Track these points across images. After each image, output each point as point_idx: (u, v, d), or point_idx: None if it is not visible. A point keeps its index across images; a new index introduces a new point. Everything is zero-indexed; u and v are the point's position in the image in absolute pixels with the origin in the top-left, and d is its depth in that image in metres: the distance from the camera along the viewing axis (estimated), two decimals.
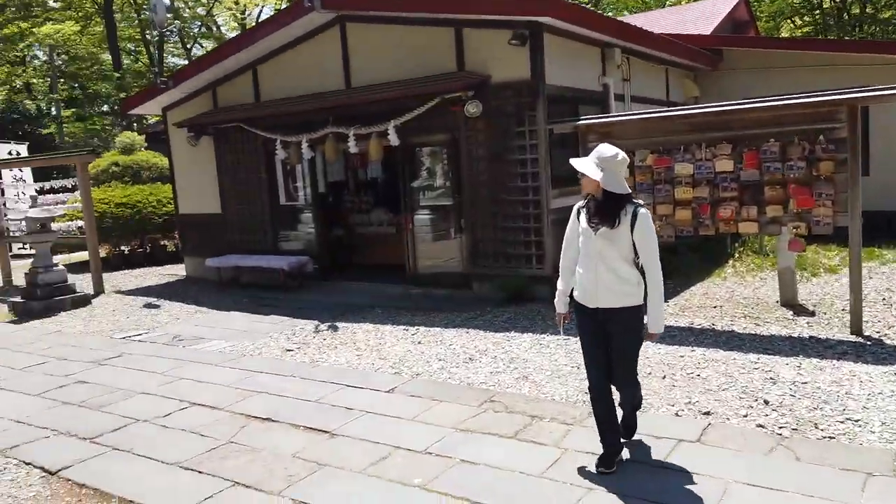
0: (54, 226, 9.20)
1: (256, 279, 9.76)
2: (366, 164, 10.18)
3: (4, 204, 11.36)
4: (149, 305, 8.91)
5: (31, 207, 8.84)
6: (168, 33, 29.47)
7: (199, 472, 3.78)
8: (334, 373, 5.44)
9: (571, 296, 3.52)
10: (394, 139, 7.77)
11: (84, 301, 9.11)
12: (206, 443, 4.18)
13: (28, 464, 4.04)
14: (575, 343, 4.97)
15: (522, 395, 4.63)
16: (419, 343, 6.16)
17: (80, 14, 30.65)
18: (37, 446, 4.31)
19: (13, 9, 28.85)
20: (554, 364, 5.23)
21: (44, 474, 3.91)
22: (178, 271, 11.71)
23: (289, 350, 6.28)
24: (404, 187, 8.41)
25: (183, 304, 8.93)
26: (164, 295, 9.61)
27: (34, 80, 31.94)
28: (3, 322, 8.48)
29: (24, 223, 8.90)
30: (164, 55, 31.02)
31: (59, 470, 3.93)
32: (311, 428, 4.31)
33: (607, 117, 6.84)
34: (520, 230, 7.53)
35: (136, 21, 30.62)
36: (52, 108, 30.48)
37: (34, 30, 27.71)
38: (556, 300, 3.62)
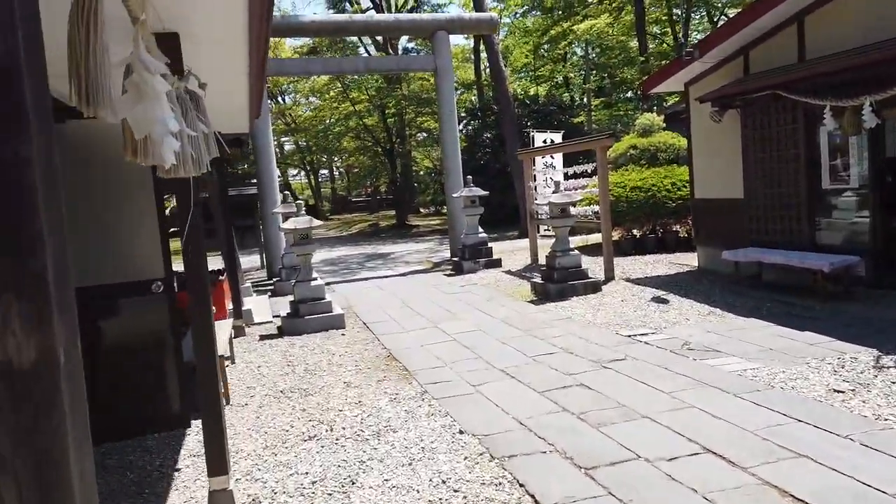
0: (573, 210, 9.31)
1: (783, 279, 8.04)
2: None
3: (535, 188, 12.34)
4: (657, 299, 8.21)
5: (553, 192, 9.09)
6: (694, 8, 28.62)
7: None
8: None
9: None
10: None
11: (595, 287, 9.00)
12: None
13: (521, 485, 3.63)
14: None
15: None
16: None
17: (612, 5, 32.50)
18: (527, 463, 3.90)
19: (560, 12, 32.46)
20: None
21: None
22: (688, 261, 10.78)
23: (837, 391, 4.60)
24: None
25: (693, 301, 7.93)
26: (672, 287, 8.79)
27: (571, 74, 35.45)
28: (525, 301, 8.99)
29: (547, 207, 9.26)
30: (689, 31, 30.35)
31: None
32: None
33: None
34: None
35: (664, 0, 30.70)
36: (584, 99, 33.35)
37: (573, 27, 30.58)
38: None
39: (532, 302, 8.86)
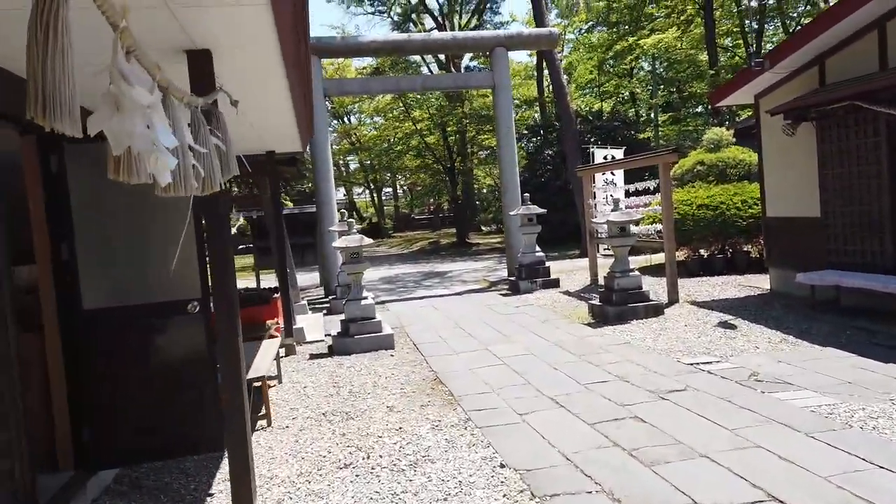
0: (634, 228, 8.92)
1: (864, 304, 7.42)
2: None
3: (595, 206, 11.96)
4: (723, 324, 7.71)
5: (612, 210, 8.74)
6: (768, 19, 27.57)
7: None
8: None
9: None
10: None
11: (656, 310, 8.55)
12: None
13: None
14: None
15: None
16: None
17: (681, 19, 31.67)
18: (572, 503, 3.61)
19: (625, 26, 31.85)
20: None
21: None
22: (759, 283, 10.15)
23: None
24: None
25: (764, 327, 7.40)
26: (741, 312, 8.25)
27: (637, 89, 34.68)
28: (582, 324, 8.63)
29: (605, 226, 8.91)
30: (763, 42, 29.22)
31: None
32: None
33: None
34: None
35: (735, 12, 29.72)
36: (651, 114, 32.51)
37: (640, 42, 29.90)
38: None
39: (589, 325, 8.50)
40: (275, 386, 6.59)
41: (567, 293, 11.32)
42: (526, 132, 26.30)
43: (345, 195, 53.34)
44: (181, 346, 4.22)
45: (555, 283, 12.05)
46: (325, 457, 4.54)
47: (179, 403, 4.38)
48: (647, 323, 8.21)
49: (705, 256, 11.93)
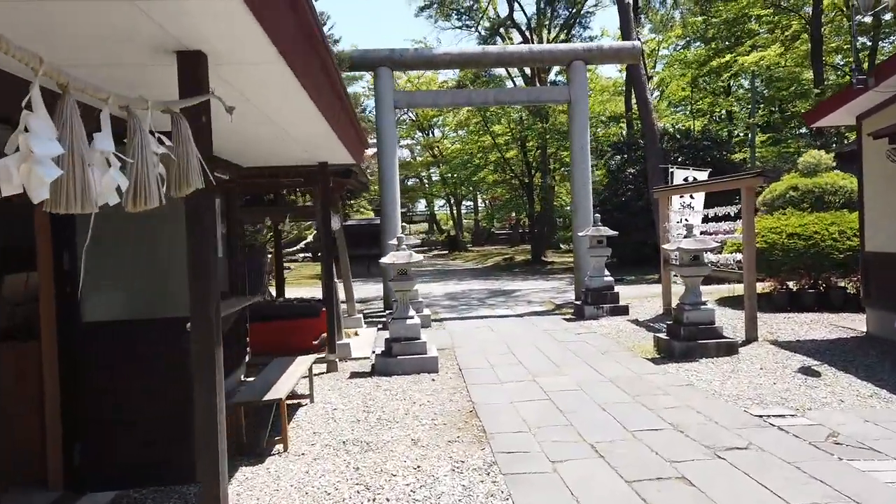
0: (711, 257, 8.16)
1: None
2: None
3: (669, 231, 11.14)
4: (805, 370, 6.84)
5: (684, 237, 8.02)
6: (883, 35, 25.47)
7: None
8: None
9: None
10: None
11: (730, 349, 7.74)
12: None
13: None
14: None
15: None
16: None
17: (785, 34, 29.80)
18: None
19: (723, 42, 30.30)
20: None
21: None
22: (854, 324, 9.07)
23: None
24: None
25: (853, 377, 6.50)
26: (829, 357, 7.33)
27: (734, 108, 32.91)
28: (644, 358, 7.93)
29: (677, 253, 8.18)
30: (875, 60, 27.02)
31: None
32: None
33: None
34: None
35: (846, 27, 27.67)
36: (748, 134, 30.70)
37: (738, 58, 28.34)
38: None
39: (652, 360, 7.79)
40: (306, 406, 6.34)
41: (636, 322, 10.57)
42: (609, 149, 25.40)
43: (426, 207, 53.69)
44: (181, 365, 3.98)
45: (623, 311, 11.31)
46: (329, 494, 4.19)
47: (179, 426, 4.15)
48: (717, 363, 7.43)
49: (794, 290, 10.87)
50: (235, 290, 7.38)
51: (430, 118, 38.19)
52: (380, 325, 11.00)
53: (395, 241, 8.24)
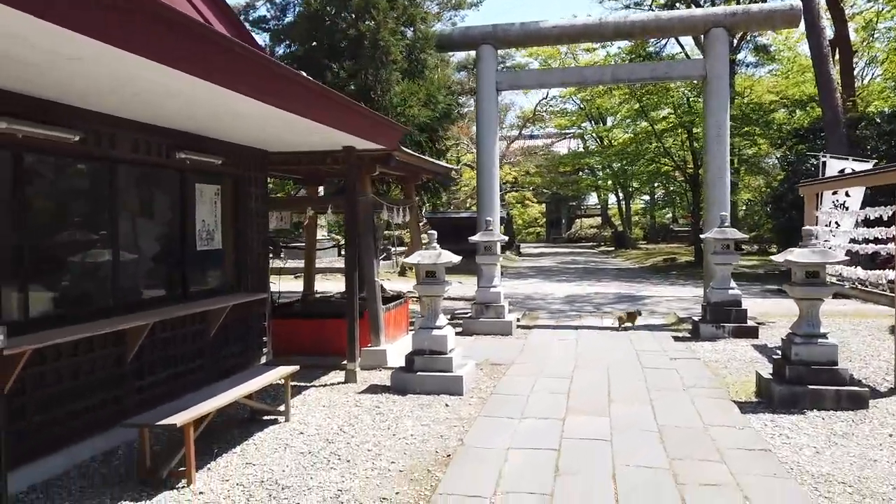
0: (837, 271, 6.04)
1: None
2: None
3: (816, 236, 8.71)
4: None
5: (800, 247, 6.00)
6: None
7: None
8: None
9: None
10: None
11: (856, 401, 5.63)
12: None
13: None
14: None
15: None
16: None
17: None
18: None
19: None
20: None
21: None
22: None
23: None
24: None
25: None
26: None
27: None
28: (734, 401, 6.02)
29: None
30: None
31: None
32: None
33: None
34: None
35: None
36: None
37: None
38: None
39: (742, 405, 5.90)
40: (281, 424, 5.55)
41: (761, 348, 8.44)
42: (787, 137, 21.79)
43: (596, 202, 51.06)
44: None
45: (751, 333, 9.12)
46: None
47: None
48: (829, 419, 5.41)
49: None
50: (244, 285, 6.84)
51: (601, 108, 35.90)
52: (459, 329, 9.94)
53: (489, 237, 7.38)
